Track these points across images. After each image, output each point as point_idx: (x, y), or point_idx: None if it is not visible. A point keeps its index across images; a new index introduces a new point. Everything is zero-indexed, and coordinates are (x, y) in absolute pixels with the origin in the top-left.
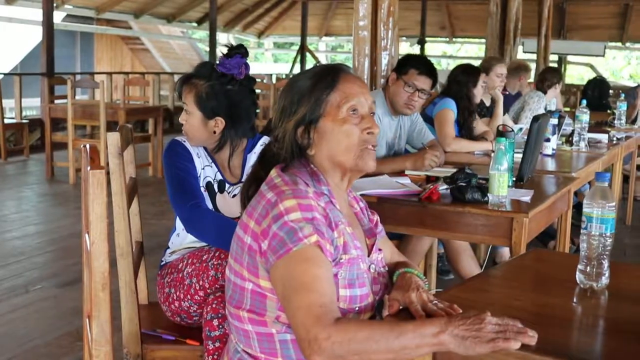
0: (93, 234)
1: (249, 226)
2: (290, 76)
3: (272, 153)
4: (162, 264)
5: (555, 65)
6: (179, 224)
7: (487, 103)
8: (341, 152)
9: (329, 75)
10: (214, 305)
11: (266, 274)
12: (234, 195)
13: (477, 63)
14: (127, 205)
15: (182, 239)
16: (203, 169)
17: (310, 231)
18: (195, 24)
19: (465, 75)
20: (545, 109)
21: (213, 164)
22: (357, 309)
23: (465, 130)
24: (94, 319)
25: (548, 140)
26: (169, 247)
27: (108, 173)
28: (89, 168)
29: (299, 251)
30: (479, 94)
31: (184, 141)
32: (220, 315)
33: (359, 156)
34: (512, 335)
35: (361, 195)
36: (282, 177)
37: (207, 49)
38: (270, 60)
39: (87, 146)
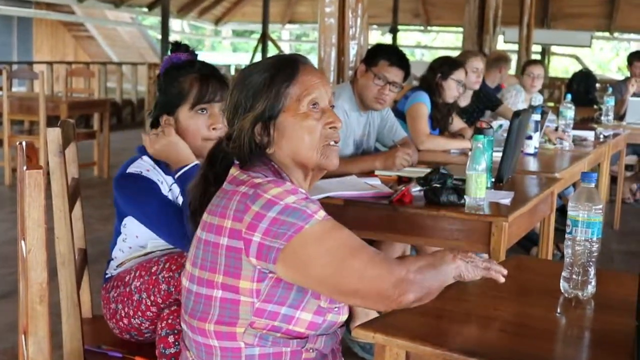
0: (30, 241)
1: (224, 226)
2: (242, 68)
3: (223, 153)
4: (106, 276)
5: (539, 56)
6: (121, 243)
7: (463, 103)
8: (304, 150)
9: (288, 67)
10: (169, 321)
11: (252, 273)
12: None
13: (453, 54)
14: (68, 208)
15: (127, 255)
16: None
17: (316, 207)
18: (145, 9)
19: (438, 66)
20: (530, 104)
21: (174, 188)
22: (336, 309)
23: (440, 126)
24: (30, 335)
25: (530, 138)
26: (112, 259)
27: (48, 173)
28: (25, 168)
29: (313, 228)
30: (451, 89)
31: (142, 173)
32: (176, 331)
33: (322, 154)
34: (497, 269)
35: (327, 197)
36: (247, 173)
37: (159, 36)
38: (228, 50)
39: (24, 143)
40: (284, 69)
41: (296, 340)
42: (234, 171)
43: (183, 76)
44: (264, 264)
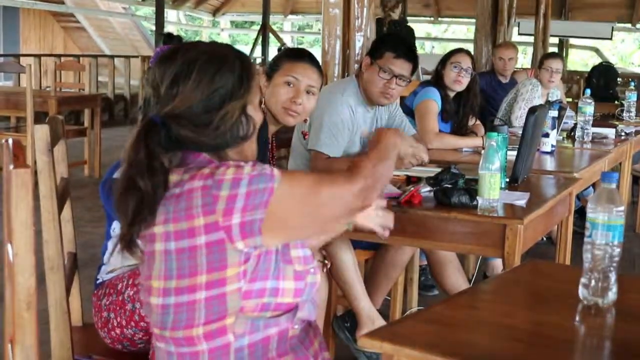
0: (17, 244)
1: (196, 226)
2: (187, 45)
3: (158, 137)
4: (97, 282)
5: (556, 49)
6: (112, 247)
7: None
8: (252, 150)
9: (250, 61)
10: None
11: (238, 259)
12: None
13: (466, 46)
14: (57, 210)
15: (118, 260)
16: None
17: (268, 166)
18: None
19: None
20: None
21: None
22: (312, 270)
23: (451, 123)
24: (17, 343)
25: (547, 135)
26: (104, 264)
27: (35, 173)
28: (11, 167)
29: (279, 184)
30: (449, 75)
31: None
32: None
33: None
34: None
35: None
36: (185, 171)
37: (153, 28)
38: (227, 42)
39: (10, 141)
40: (249, 64)
41: (285, 316)
42: (175, 178)
43: None
44: (251, 240)
